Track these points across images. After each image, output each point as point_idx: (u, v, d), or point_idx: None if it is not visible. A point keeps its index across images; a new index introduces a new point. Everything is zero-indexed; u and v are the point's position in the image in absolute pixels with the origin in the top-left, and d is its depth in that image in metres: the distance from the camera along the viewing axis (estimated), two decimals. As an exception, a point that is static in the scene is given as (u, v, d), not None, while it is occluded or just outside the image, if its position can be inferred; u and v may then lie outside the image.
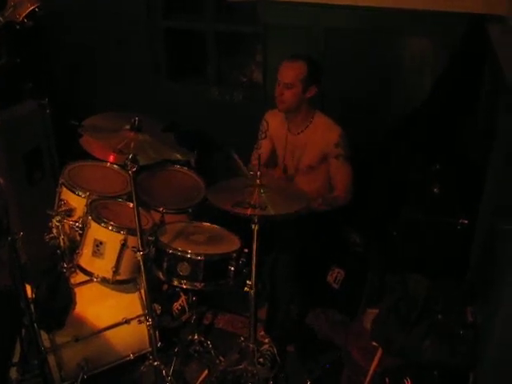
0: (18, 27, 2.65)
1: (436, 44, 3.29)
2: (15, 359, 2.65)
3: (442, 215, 2.72)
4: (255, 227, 2.32)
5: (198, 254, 2.45)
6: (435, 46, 3.30)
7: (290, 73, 2.87)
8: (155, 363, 2.63)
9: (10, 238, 2.15)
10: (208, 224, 2.79)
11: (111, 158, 3.07)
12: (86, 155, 3.04)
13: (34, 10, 2.52)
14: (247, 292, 2.45)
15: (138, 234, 2.36)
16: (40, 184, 3.57)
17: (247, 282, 2.44)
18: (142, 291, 2.70)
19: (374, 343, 2.46)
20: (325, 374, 2.84)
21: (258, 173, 2.40)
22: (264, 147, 3.18)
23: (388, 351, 2.40)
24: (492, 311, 2.10)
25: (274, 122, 3.15)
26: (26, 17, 2.57)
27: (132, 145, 2.24)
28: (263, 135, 3.20)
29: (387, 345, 2.39)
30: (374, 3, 3.28)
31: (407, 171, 3.12)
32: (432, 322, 2.36)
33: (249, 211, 2.25)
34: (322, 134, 2.96)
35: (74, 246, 2.75)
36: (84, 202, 2.76)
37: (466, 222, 2.66)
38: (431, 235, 2.73)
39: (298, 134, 3.04)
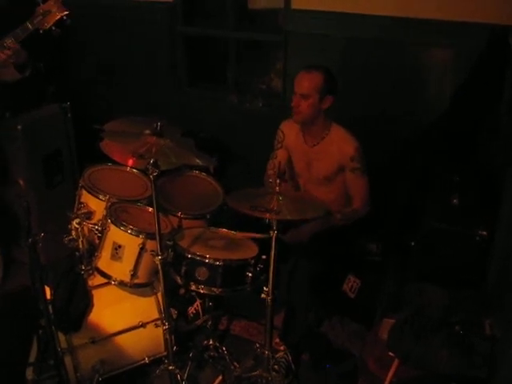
0: (41, 31, 2.70)
1: (458, 55, 3.29)
2: (32, 359, 2.67)
3: (461, 226, 2.70)
4: (273, 234, 2.32)
5: (216, 259, 2.46)
6: (457, 57, 3.30)
7: (306, 83, 2.85)
8: (170, 367, 2.63)
9: (30, 240, 2.17)
10: (226, 230, 2.80)
11: (130, 162, 3.10)
12: (105, 159, 3.07)
13: (61, 18, 2.57)
14: (264, 299, 2.45)
15: (158, 238, 2.37)
16: (59, 186, 3.61)
17: (264, 288, 2.44)
18: (159, 295, 2.71)
19: (391, 353, 2.43)
20: (339, 383, 2.84)
21: (278, 180, 2.40)
22: (280, 157, 3.16)
23: (404, 362, 2.38)
24: (510, 324, 2.09)
25: (290, 134, 3.13)
26: (54, 25, 2.62)
27: (153, 149, 2.24)
28: (279, 145, 3.18)
29: (404, 355, 2.37)
30: (395, 13, 3.29)
31: (426, 182, 3.11)
32: (449, 333, 2.33)
33: (267, 215, 2.25)
34: (338, 147, 2.95)
35: (93, 249, 2.76)
36: (104, 205, 2.77)
37: (485, 233, 2.64)
38: (449, 246, 2.72)
39: (314, 145, 3.02)
